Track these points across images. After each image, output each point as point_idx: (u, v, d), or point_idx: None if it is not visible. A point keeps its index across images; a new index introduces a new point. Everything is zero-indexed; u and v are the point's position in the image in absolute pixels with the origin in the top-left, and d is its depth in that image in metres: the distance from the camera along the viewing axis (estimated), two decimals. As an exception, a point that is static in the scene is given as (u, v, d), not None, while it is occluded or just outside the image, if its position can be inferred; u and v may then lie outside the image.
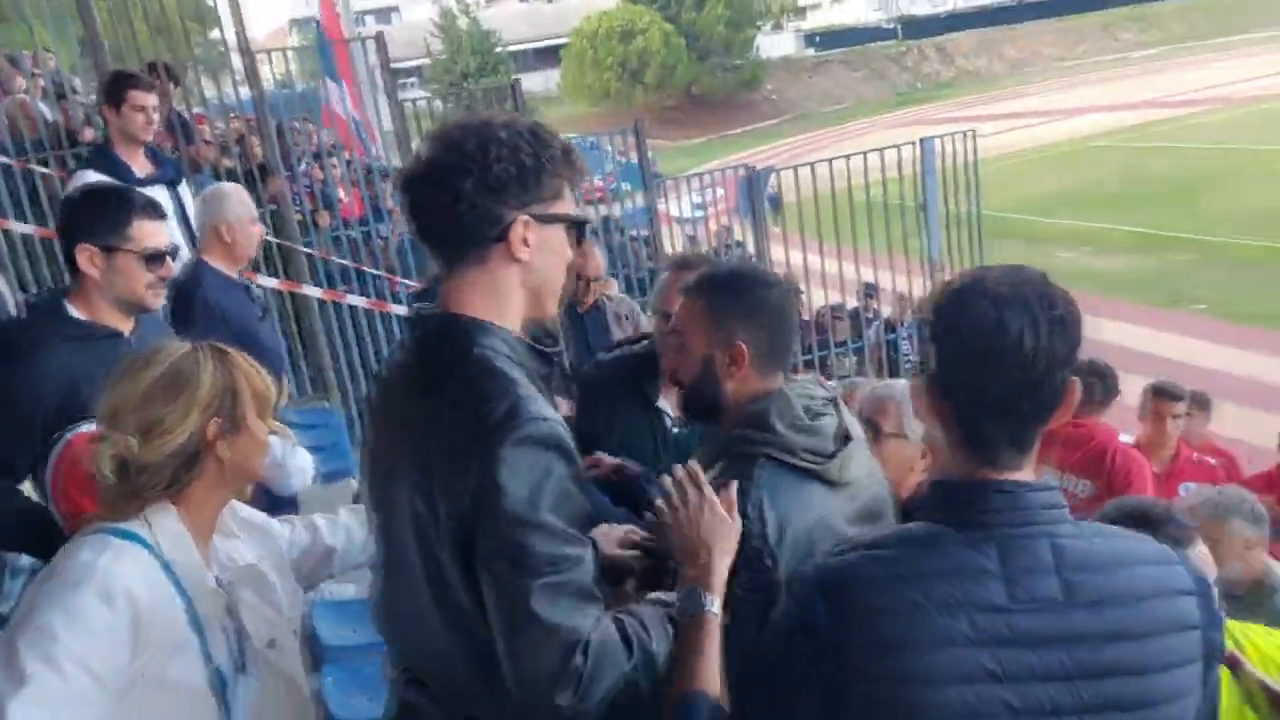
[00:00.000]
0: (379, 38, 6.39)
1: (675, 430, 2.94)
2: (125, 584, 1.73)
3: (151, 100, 4.32)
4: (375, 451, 1.81)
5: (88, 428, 2.21)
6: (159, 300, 2.80)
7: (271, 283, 5.25)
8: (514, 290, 1.71)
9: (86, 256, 2.65)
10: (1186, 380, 7.26)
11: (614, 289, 7.86)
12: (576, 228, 1.76)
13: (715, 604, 1.70)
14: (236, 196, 4.15)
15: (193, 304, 3.83)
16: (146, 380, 1.82)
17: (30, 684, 1.60)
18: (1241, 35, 65.27)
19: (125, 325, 2.75)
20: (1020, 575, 1.38)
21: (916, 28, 71.95)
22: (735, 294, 1.99)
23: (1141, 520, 2.10)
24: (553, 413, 1.64)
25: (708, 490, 1.79)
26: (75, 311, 2.70)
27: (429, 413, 1.63)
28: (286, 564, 2.18)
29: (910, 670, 1.36)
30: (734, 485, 1.83)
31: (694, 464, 1.85)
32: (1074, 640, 1.37)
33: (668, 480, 1.83)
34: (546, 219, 1.69)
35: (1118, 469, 4.13)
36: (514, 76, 7.34)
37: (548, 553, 1.54)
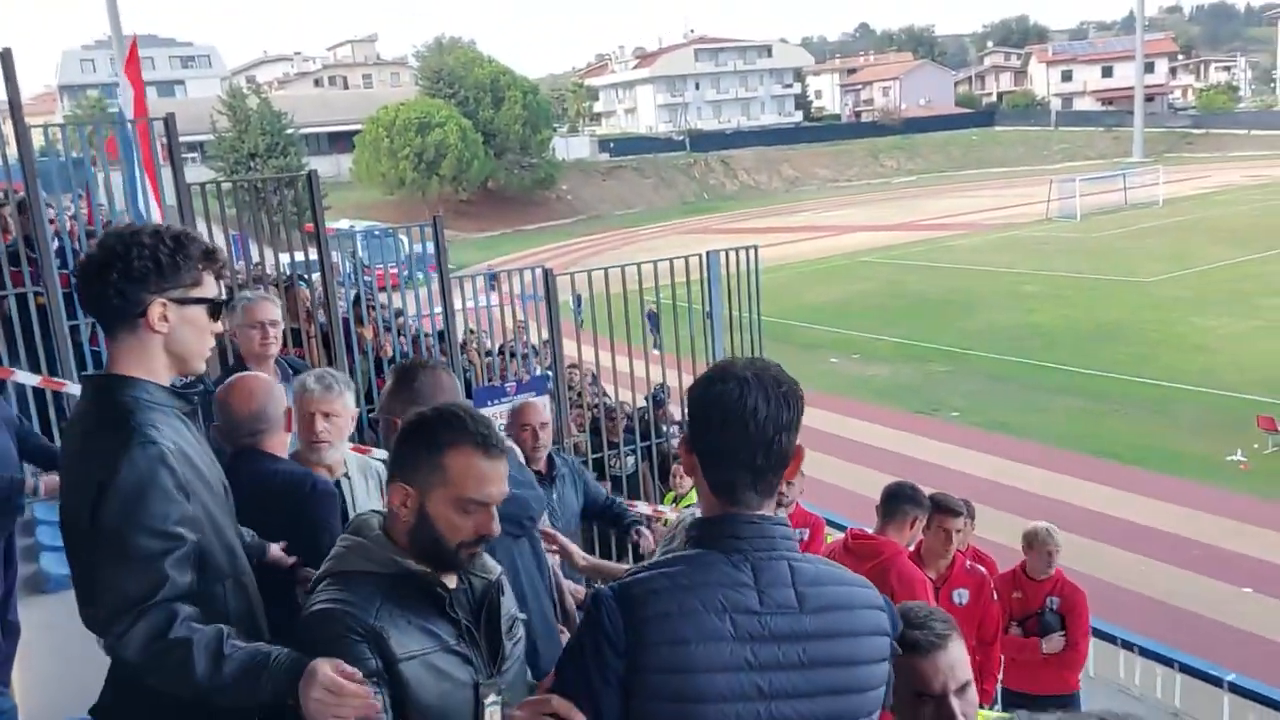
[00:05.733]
0: (169, 118, 6.15)
1: None
2: None
3: None
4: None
5: None
6: None
7: (33, 380, 4.79)
8: (158, 354, 2.19)
9: None
10: (943, 484, 7.83)
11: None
12: (214, 307, 2.25)
13: None
14: None
15: None
16: None
17: None
18: (990, 169, 72.63)
19: None
20: (768, 587, 1.76)
21: (703, 141, 75.87)
22: None
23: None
24: (167, 437, 2.11)
25: None
26: None
27: (80, 444, 2.17)
28: None
29: (691, 662, 1.71)
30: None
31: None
32: (807, 637, 1.75)
33: None
34: (184, 301, 2.19)
35: (899, 588, 4.32)
36: (311, 167, 7.15)
37: (146, 543, 2.02)
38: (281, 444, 3.10)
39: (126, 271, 2.12)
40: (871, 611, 1.83)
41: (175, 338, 2.20)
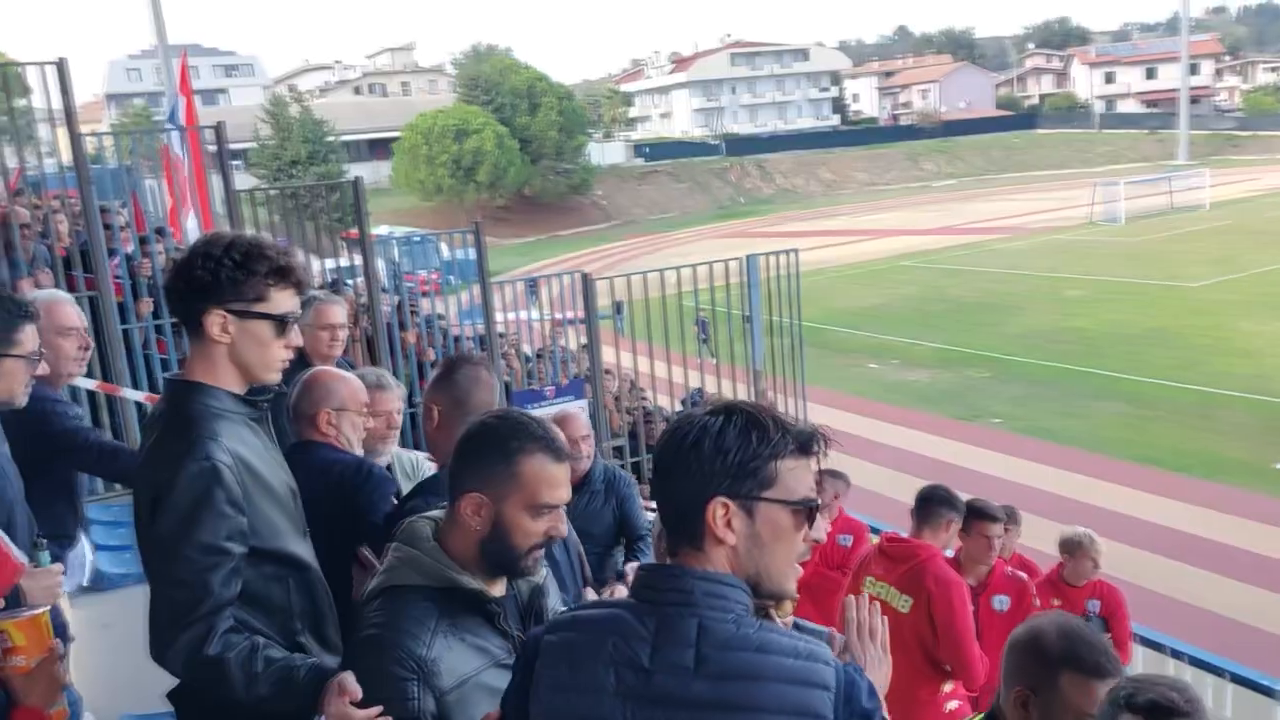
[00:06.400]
0: (220, 126, 6.27)
1: None
2: None
3: None
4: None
5: None
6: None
7: (89, 384, 4.91)
8: (223, 363, 2.24)
9: None
10: (984, 490, 7.74)
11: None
12: (280, 323, 2.25)
13: None
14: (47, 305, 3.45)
15: None
16: None
17: None
18: (1032, 172, 71.90)
19: None
20: (665, 644, 1.61)
21: (739, 145, 75.76)
22: None
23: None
24: (227, 448, 2.16)
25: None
26: None
27: (150, 447, 2.22)
28: None
29: (568, 710, 1.66)
30: None
31: None
32: (696, 705, 1.58)
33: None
34: (246, 314, 2.21)
35: (935, 589, 4.27)
36: (355, 175, 7.28)
37: (194, 557, 2.09)
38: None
39: (189, 281, 2.21)
40: (795, 688, 1.57)
41: (237, 349, 2.24)
